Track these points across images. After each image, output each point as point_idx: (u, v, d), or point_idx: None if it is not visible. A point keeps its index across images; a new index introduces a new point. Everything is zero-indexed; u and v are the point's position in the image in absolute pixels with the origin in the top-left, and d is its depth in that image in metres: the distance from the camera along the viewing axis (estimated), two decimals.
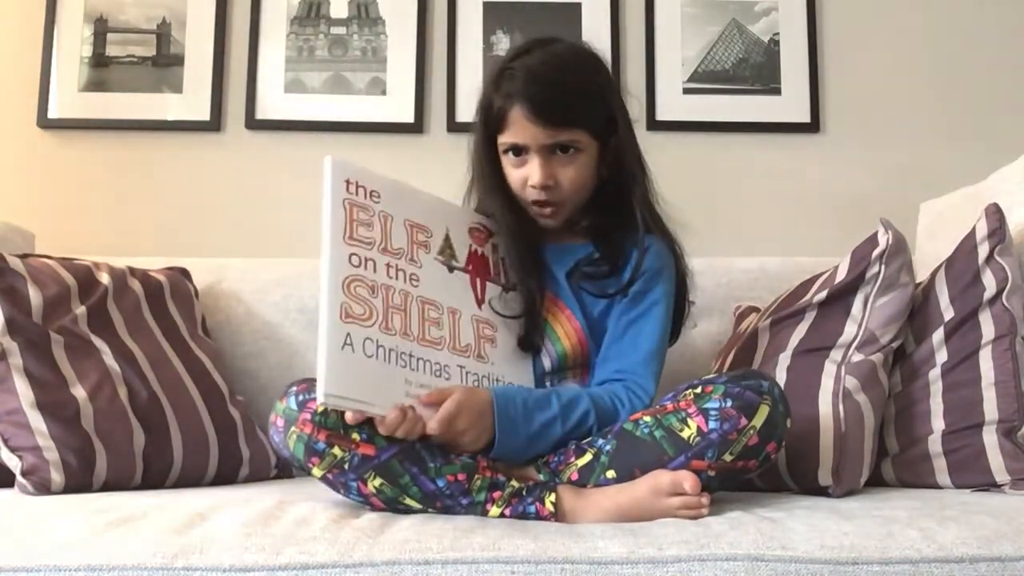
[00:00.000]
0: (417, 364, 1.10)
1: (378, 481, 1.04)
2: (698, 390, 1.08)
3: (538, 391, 1.17)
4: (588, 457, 1.10)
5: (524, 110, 1.22)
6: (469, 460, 1.07)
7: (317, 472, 1.06)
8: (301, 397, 1.06)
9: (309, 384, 1.07)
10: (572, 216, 1.32)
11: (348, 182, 1.13)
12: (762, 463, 1.07)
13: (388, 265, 1.13)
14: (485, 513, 1.05)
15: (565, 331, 1.26)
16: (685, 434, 1.05)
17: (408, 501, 1.05)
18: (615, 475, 1.07)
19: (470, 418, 1.07)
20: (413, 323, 1.12)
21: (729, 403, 1.04)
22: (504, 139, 1.26)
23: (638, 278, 1.25)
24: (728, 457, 1.04)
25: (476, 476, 1.05)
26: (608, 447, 1.10)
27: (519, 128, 1.24)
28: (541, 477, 1.11)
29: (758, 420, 1.04)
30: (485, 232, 1.29)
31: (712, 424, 1.04)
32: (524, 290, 1.25)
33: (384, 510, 1.06)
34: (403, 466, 1.04)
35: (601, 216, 1.31)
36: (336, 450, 1.04)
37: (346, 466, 1.04)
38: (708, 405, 1.05)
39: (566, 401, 1.14)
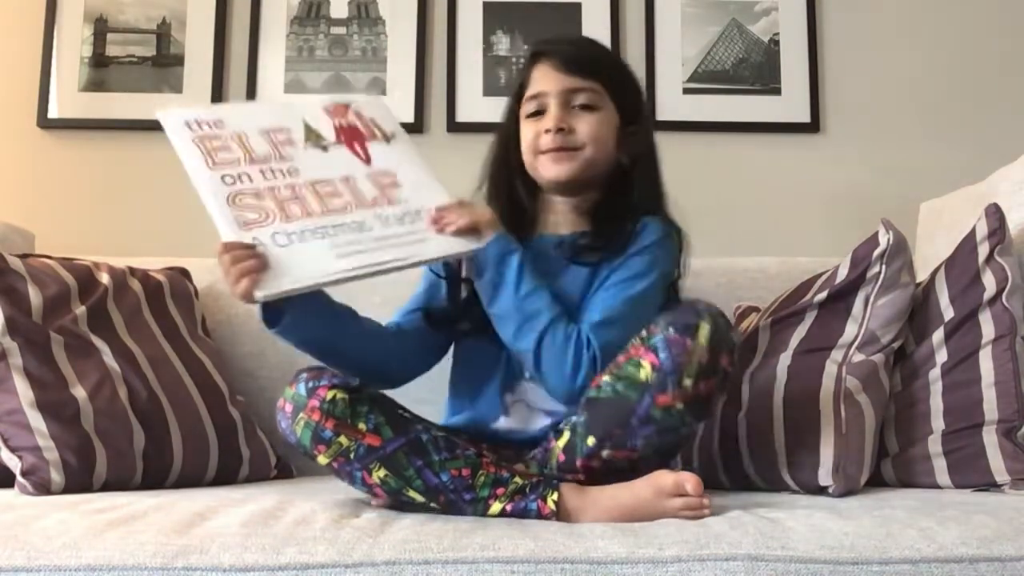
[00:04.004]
0: (335, 231, 1.10)
1: (382, 472, 1.05)
2: (643, 334, 1.09)
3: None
4: (567, 436, 1.12)
5: (550, 62, 1.28)
6: (474, 456, 1.07)
7: (323, 460, 1.06)
8: (311, 384, 1.06)
9: (320, 371, 1.08)
10: (583, 189, 1.29)
11: (188, 123, 1.13)
12: (722, 383, 1.08)
13: (262, 171, 1.12)
14: (487, 508, 1.05)
15: None
16: (642, 375, 1.06)
17: (411, 493, 1.05)
18: (595, 440, 1.08)
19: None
20: (312, 203, 1.12)
21: (671, 330, 1.05)
22: (527, 97, 1.30)
23: (630, 248, 1.25)
24: (688, 381, 1.04)
25: (480, 472, 1.06)
26: (581, 418, 1.11)
27: (540, 78, 1.28)
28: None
29: (702, 336, 1.05)
30: (342, 106, 1.26)
31: (662, 355, 1.05)
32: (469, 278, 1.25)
33: (387, 502, 1.07)
34: (408, 458, 1.05)
35: (605, 202, 1.30)
36: (342, 439, 1.04)
37: (351, 455, 1.05)
38: (653, 341, 1.06)
39: (549, 299, 1.18)
